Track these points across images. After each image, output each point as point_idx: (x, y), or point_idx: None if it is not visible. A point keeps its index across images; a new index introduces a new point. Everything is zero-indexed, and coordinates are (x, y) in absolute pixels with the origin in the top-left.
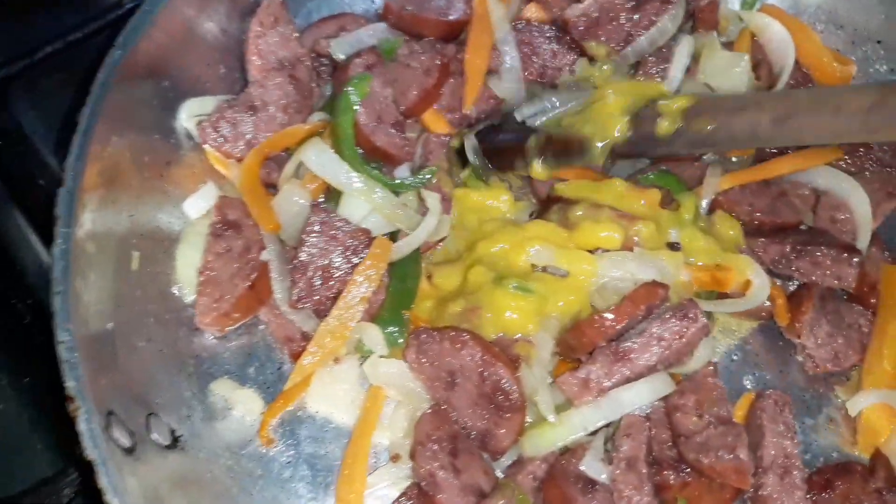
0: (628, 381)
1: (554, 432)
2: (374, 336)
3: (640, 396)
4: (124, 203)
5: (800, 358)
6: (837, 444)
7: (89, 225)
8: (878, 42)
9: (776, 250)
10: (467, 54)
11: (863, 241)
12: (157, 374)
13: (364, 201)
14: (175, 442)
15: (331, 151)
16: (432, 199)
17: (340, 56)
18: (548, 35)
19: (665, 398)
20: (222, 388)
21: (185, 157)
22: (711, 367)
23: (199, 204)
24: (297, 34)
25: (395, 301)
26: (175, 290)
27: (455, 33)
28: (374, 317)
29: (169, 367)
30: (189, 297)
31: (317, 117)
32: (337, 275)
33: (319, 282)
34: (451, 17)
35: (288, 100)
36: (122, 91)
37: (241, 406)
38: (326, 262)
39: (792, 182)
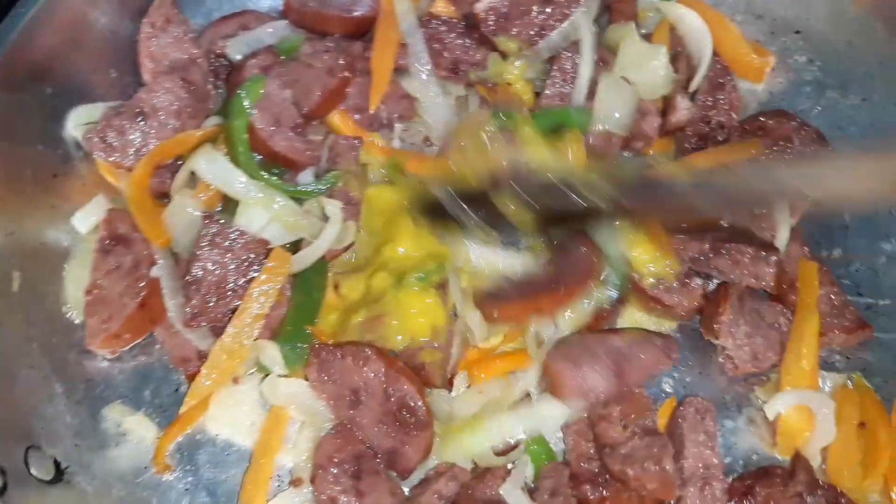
0: None
1: (472, 438)
2: (271, 354)
3: (562, 409)
4: (2, 221)
5: (720, 359)
6: (757, 445)
7: None
8: (797, 32)
9: (696, 248)
10: (373, 51)
11: (782, 238)
12: (42, 403)
13: (262, 210)
14: (60, 475)
15: (224, 158)
16: (332, 207)
17: (237, 57)
18: (458, 30)
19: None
20: (115, 413)
21: (75, 168)
22: None
23: (88, 218)
24: (192, 35)
25: (298, 316)
26: (64, 311)
27: (361, 31)
28: (275, 333)
29: (55, 395)
30: (79, 318)
31: (212, 122)
32: (233, 290)
33: (214, 298)
34: (355, 14)
35: (181, 104)
36: None
37: (136, 431)
38: (221, 276)
39: None
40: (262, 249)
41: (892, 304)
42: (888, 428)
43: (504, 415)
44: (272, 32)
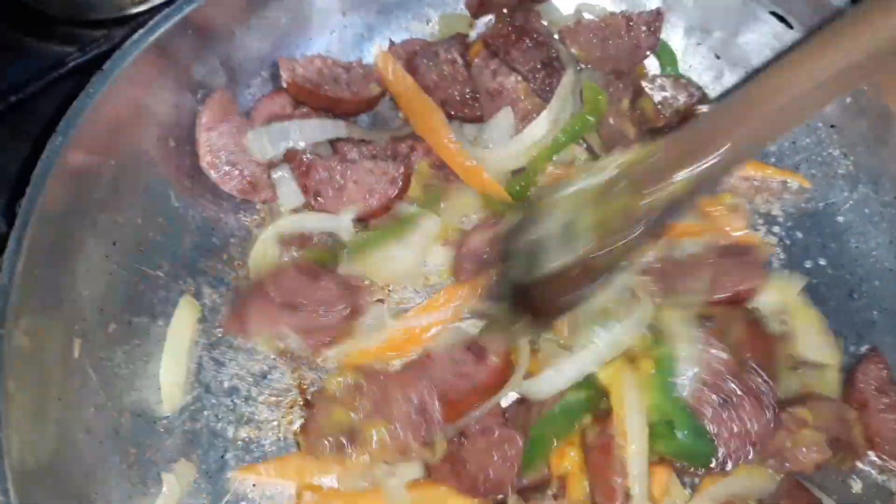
0: None
1: None
2: None
3: None
4: (67, 290)
5: None
6: None
7: (26, 324)
8: (832, 126)
9: None
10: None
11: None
12: (97, 467)
13: None
14: None
15: None
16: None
17: (258, 155)
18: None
19: None
20: (165, 477)
21: None
22: None
23: None
24: (247, 126)
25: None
26: (116, 373)
27: (364, 110)
28: None
29: (109, 459)
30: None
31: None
32: None
33: None
34: (360, 95)
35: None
36: (63, 174)
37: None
38: None
39: None
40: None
41: None
42: None
43: None
44: (297, 128)
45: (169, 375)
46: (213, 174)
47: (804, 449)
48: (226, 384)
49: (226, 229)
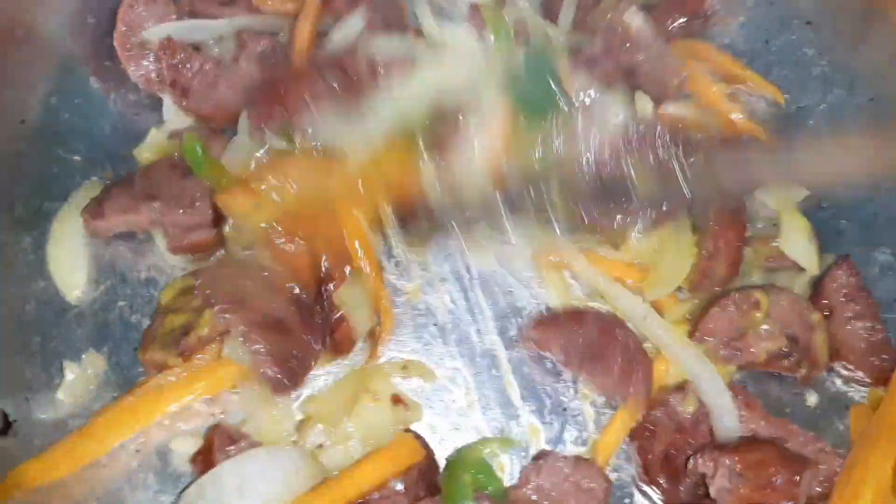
0: None
1: None
2: None
3: None
4: None
5: None
6: None
7: None
8: (809, 23)
9: None
10: None
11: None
12: None
13: None
14: (7, 428)
15: None
16: None
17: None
18: None
19: None
20: (70, 368)
21: None
22: None
23: None
24: (173, 16)
25: None
26: (22, 259)
27: None
28: None
29: (10, 347)
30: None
31: None
32: None
33: None
34: None
35: None
36: None
37: (88, 387)
38: None
39: None
40: None
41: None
42: None
43: None
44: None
45: (61, 260)
46: (121, 55)
47: (756, 336)
48: (143, 275)
49: (149, 115)
